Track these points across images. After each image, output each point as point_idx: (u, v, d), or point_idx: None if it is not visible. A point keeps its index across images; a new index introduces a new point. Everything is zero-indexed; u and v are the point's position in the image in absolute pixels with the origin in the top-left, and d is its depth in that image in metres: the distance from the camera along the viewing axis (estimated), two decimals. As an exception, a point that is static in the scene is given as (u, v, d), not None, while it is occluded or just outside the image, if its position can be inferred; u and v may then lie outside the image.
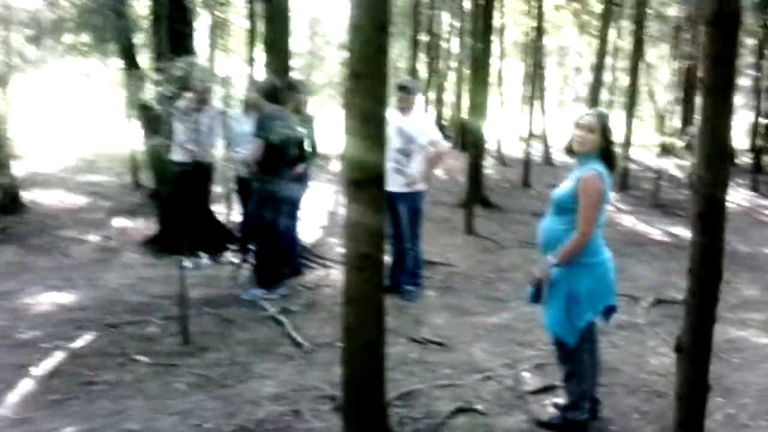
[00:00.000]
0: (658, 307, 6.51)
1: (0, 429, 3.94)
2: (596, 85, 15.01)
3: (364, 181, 3.46)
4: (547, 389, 4.47)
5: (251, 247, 7.43)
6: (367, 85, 3.41)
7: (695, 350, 2.52)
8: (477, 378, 4.64)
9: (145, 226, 9.03)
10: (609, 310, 3.98)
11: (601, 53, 15.09)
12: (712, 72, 2.38)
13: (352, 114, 3.45)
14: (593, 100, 14.55)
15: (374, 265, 3.55)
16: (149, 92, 5.87)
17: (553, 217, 3.93)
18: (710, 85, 2.37)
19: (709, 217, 2.37)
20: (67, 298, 6.32)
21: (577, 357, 3.93)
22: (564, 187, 3.90)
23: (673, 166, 16.52)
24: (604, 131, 3.83)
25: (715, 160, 2.36)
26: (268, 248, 6.43)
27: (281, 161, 6.33)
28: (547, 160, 18.71)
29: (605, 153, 3.85)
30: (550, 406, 4.22)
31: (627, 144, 15.12)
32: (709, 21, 2.34)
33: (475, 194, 10.78)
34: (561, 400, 4.14)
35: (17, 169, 10.32)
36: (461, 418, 4.08)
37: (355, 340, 3.57)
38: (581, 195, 3.74)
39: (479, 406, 4.20)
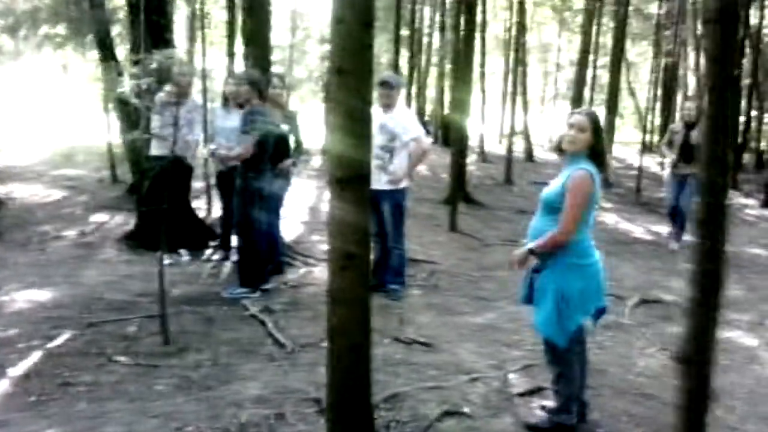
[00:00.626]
0: (644, 307, 6.48)
1: (-24, 432, 3.83)
2: (580, 81, 14.90)
3: (348, 179, 3.38)
4: (534, 391, 4.40)
5: (233, 243, 7.33)
6: (351, 81, 3.32)
7: (697, 360, 2.45)
8: (463, 380, 4.56)
9: (123, 221, 8.89)
10: (599, 312, 3.94)
11: (585, 50, 14.99)
12: (712, 71, 2.31)
13: (335, 111, 3.37)
14: (577, 97, 14.47)
15: (359, 265, 3.47)
16: (127, 85, 5.77)
17: (542, 217, 3.87)
18: (711, 84, 2.30)
19: (711, 222, 2.31)
20: (44, 295, 6.18)
21: (566, 359, 3.88)
22: (553, 187, 3.85)
23: (654, 164, 16.57)
24: (595, 130, 3.78)
25: (717, 162, 2.29)
26: (252, 246, 6.33)
27: (267, 158, 6.24)
28: (529, 156, 18.71)
29: (595, 153, 3.80)
30: (538, 408, 4.16)
31: (609, 141, 15.13)
32: (712, 19, 2.27)
33: (459, 191, 10.72)
34: (549, 403, 4.09)
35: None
36: (448, 421, 4.01)
37: (341, 342, 3.50)
38: (569, 194, 3.70)
39: (466, 409, 4.13)
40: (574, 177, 3.71)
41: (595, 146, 3.80)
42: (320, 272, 7.12)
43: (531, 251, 3.82)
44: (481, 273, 7.46)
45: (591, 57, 17.54)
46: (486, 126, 19.79)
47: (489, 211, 11.27)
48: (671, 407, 4.35)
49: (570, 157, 3.82)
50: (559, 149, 3.91)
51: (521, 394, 4.38)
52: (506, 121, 19.56)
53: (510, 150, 15.22)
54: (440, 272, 7.41)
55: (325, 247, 7.99)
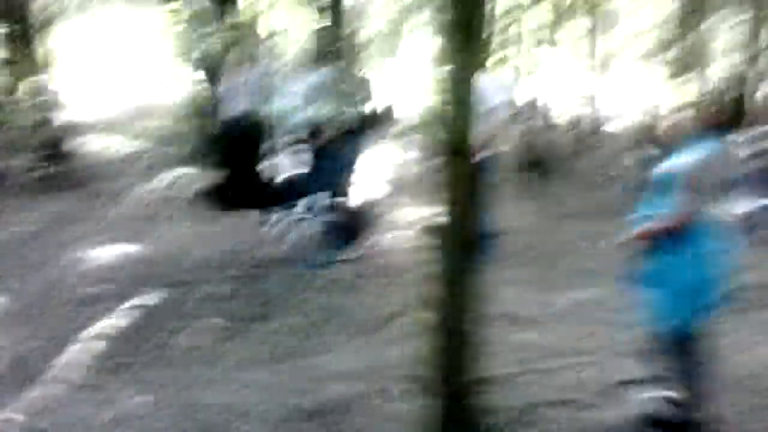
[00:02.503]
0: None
1: (65, 395, 3.73)
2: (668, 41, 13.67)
3: (456, 149, 3.19)
4: (648, 380, 4.08)
5: (321, 206, 7.12)
6: (462, 38, 3.10)
7: None
8: (568, 362, 4.28)
9: (203, 177, 8.70)
10: (718, 302, 3.62)
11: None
12: None
13: (444, 73, 3.16)
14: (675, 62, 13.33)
15: (465, 241, 3.32)
16: (206, 42, 5.66)
17: (657, 198, 3.55)
18: None
19: None
20: (129, 251, 6.07)
21: (683, 350, 3.59)
22: (671, 165, 3.52)
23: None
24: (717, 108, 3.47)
25: None
26: (349, 210, 6.26)
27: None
28: (597, 126, 18.01)
29: (718, 128, 3.48)
30: (654, 399, 3.85)
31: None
32: None
33: (540, 160, 10.40)
34: (665, 394, 3.80)
35: (67, 116, 10.01)
36: (555, 409, 3.76)
37: (443, 321, 3.32)
38: (685, 174, 3.38)
39: (574, 396, 3.87)
40: (692, 156, 3.40)
41: (718, 121, 3.49)
42: (404, 239, 6.87)
43: (644, 234, 3.53)
44: (570, 246, 7.10)
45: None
46: (556, 92, 19.16)
47: (572, 182, 10.81)
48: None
49: (689, 137, 3.51)
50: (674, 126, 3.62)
51: (634, 382, 4.06)
52: (577, 88, 18.88)
53: (580, 119, 14.74)
54: (526, 244, 7.07)
55: (407, 213, 7.76)
